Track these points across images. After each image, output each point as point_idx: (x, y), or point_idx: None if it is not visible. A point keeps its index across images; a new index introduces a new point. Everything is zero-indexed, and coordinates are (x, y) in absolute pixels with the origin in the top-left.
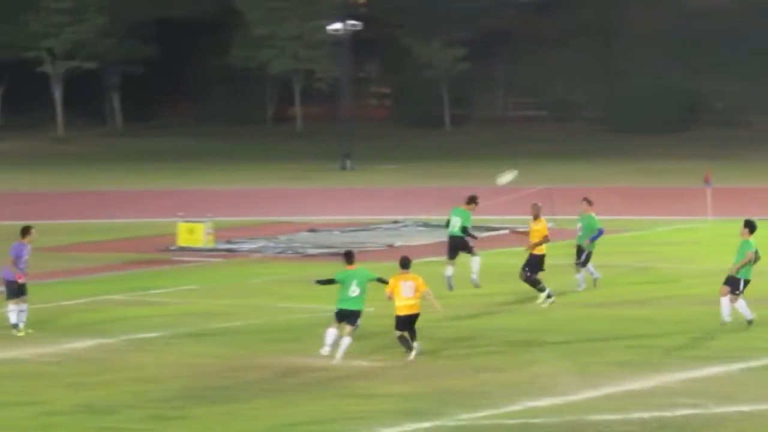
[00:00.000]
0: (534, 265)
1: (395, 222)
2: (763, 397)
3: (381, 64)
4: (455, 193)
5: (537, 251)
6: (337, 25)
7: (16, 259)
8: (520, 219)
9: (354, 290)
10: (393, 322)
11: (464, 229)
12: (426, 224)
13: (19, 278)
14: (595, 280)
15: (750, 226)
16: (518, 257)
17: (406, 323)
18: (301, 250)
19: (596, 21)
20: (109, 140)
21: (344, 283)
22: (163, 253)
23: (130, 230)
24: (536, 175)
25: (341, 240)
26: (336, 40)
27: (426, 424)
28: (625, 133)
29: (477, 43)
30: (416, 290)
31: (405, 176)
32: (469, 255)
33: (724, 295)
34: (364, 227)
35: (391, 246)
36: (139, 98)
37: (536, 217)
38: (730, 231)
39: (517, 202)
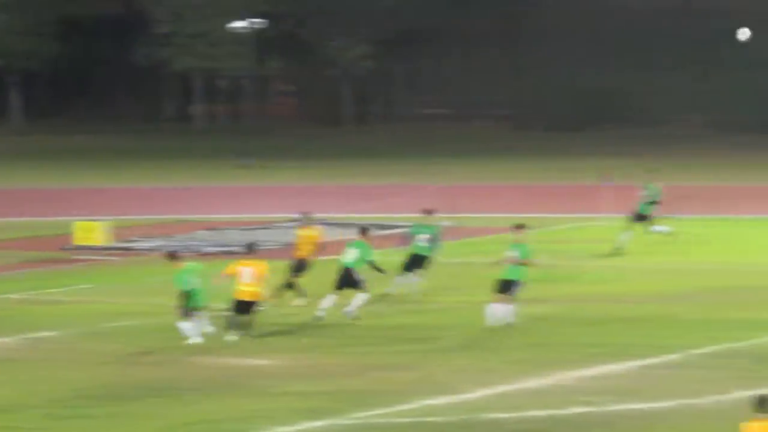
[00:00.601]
0: (298, 268)
1: (294, 220)
2: (658, 395)
3: (285, 62)
4: (357, 190)
5: (301, 255)
6: (242, 23)
7: None
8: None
9: (193, 283)
10: (285, 320)
11: (371, 263)
12: (326, 222)
13: None
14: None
15: (521, 228)
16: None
17: (242, 308)
18: (197, 249)
19: (503, 20)
20: (10, 138)
21: (189, 284)
22: (61, 251)
23: (29, 229)
24: (440, 173)
25: (239, 238)
26: (240, 37)
27: (320, 423)
28: (530, 131)
29: (382, 42)
30: (258, 277)
31: (306, 174)
32: (356, 290)
33: (500, 301)
34: (264, 225)
35: (289, 244)
36: (43, 96)
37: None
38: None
39: (418, 200)
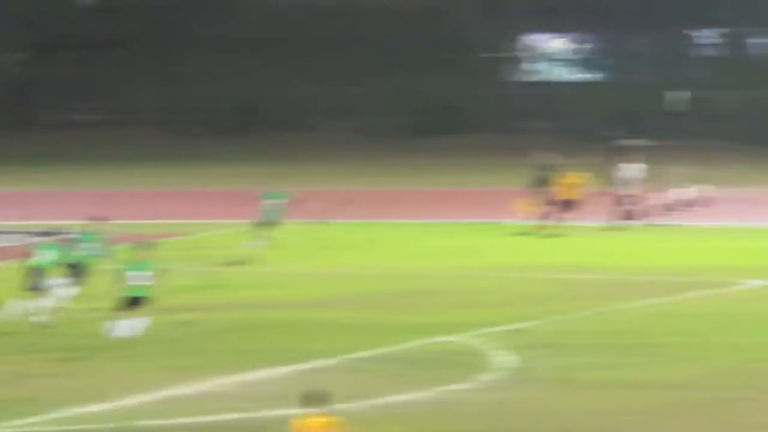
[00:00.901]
0: None
1: None
2: None
3: None
4: (7, 197)
5: None
6: None
7: None
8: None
9: None
10: None
11: (70, 265)
12: None
13: None
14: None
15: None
16: None
17: None
18: None
19: (159, 26)
20: None
21: None
22: None
23: None
24: (93, 179)
25: None
26: None
27: None
28: (186, 136)
29: (36, 47)
30: None
31: None
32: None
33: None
34: None
35: None
36: None
37: None
38: (292, 232)
39: (72, 206)
